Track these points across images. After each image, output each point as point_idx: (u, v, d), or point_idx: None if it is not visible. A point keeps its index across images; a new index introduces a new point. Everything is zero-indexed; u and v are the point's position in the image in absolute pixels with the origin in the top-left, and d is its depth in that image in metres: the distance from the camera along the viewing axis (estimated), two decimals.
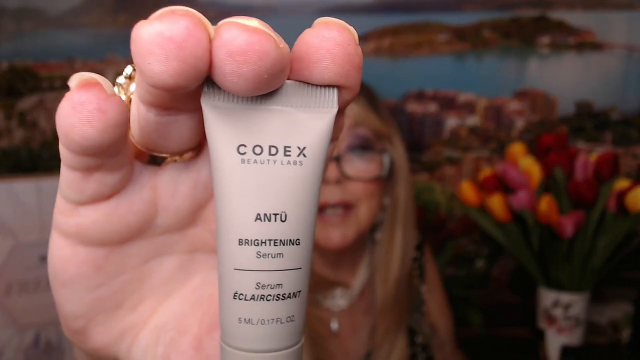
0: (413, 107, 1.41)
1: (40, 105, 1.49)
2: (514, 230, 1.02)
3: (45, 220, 1.10)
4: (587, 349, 1.09)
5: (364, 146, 0.72)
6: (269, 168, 0.19)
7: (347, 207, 0.72)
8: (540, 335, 1.08)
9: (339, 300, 0.80)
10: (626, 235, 0.98)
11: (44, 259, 1.10)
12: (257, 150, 0.19)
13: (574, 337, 1.05)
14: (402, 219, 0.78)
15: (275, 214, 0.19)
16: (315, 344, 0.75)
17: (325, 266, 0.79)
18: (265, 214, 0.19)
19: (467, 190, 1.07)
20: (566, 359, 1.05)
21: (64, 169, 0.21)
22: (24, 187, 1.08)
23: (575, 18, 1.36)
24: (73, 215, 0.22)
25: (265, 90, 0.18)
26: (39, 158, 1.45)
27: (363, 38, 1.40)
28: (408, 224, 0.78)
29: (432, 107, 1.41)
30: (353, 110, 0.71)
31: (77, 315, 0.23)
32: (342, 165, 0.71)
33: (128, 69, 0.22)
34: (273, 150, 0.19)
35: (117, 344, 0.24)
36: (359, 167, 0.72)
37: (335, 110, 0.20)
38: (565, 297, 1.03)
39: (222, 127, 0.19)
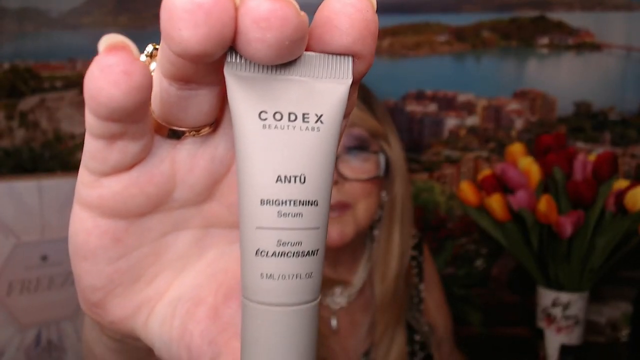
0: (412, 107, 1.42)
1: (41, 106, 1.49)
2: (513, 230, 1.02)
3: (47, 220, 1.10)
4: (586, 348, 1.09)
5: (360, 146, 0.73)
6: (288, 133, 0.20)
7: (344, 206, 0.72)
8: (539, 335, 1.08)
9: (338, 298, 0.80)
10: (625, 235, 0.98)
11: (45, 258, 1.11)
12: (277, 116, 0.20)
13: (572, 337, 1.05)
14: (400, 217, 0.78)
15: (295, 176, 0.20)
16: None
17: (325, 264, 0.79)
18: (285, 176, 0.20)
19: (467, 190, 1.07)
20: (565, 358, 1.06)
21: (88, 139, 0.22)
22: (25, 187, 1.08)
23: (574, 19, 1.36)
24: (95, 187, 0.22)
25: (286, 58, 0.19)
26: (40, 158, 1.45)
27: None
28: (406, 221, 0.79)
29: (431, 107, 1.42)
30: None
31: (96, 287, 0.24)
32: (338, 166, 0.71)
33: (149, 48, 0.24)
34: (292, 117, 0.20)
35: (134, 317, 0.25)
36: (356, 167, 0.73)
37: (350, 80, 0.21)
38: (564, 297, 1.04)
39: (244, 95, 0.20)
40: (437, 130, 1.42)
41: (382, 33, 1.41)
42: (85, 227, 0.23)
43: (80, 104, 1.50)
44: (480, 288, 1.41)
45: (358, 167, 0.73)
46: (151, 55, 0.24)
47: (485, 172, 1.07)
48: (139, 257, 0.24)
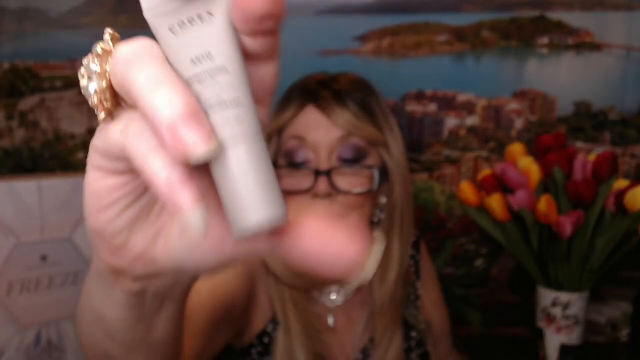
0: (412, 107, 1.42)
1: (41, 106, 1.49)
2: (513, 230, 1.02)
3: (47, 220, 1.10)
4: (586, 348, 1.10)
5: (357, 158, 0.73)
6: (193, 30, 0.26)
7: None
8: (539, 335, 1.08)
9: (335, 296, 0.80)
10: (625, 235, 0.98)
11: (45, 258, 1.11)
12: (182, 25, 0.26)
13: (572, 337, 1.05)
14: (400, 222, 0.78)
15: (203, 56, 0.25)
16: (312, 339, 0.76)
17: None
18: (196, 58, 0.25)
19: (467, 190, 1.07)
20: (565, 358, 1.06)
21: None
22: (25, 187, 1.08)
23: (574, 19, 1.36)
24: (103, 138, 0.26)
25: None
26: (40, 158, 1.45)
27: (363, 38, 1.41)
28: (405, 226, 0.79)
29: (431, 107, 1.42)
30: (345, 119, 0.71)
31: (120, 229, 0.27)
32: (332, 179, 0.71)
33: (102, 46, 0.27)
34: (193, 20, 0.26)
35: (154, 245, 0.28)
36: (350, 181, 0.73)
37: None
38: (564, 297, 1.04)
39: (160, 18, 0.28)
40: (437, 130, 1.42)
41: (383, 33, 1.41)
42: (104, 184, 0.26)
43: (80, 104, 1.50)
44: (480, 288, 1.41)
45: (352, 180, 0.73)
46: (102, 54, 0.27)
47: (485, 172, 1.07)
48: (149, 197, 0.27)
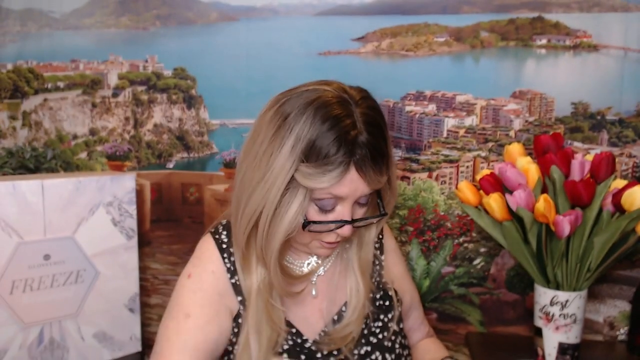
0: (412, 108, 1.43)
1: (44, 106, 1.50)
2: (511, 229, 1.03)
3: (49, 219, 1.11)
4: (584, 347, 1.10)
5: (366, 201, 0.82)
6: None
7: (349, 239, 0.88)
8: (537, 333, 1.09)
9: (315, 266, 0.91)
10: (622, 234, 0.99)
11: (47, 257, 1.11)
12: None
13: (570, 335, 1.06)
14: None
15: None
16: (296, 305, 0.89)
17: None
18: None
19: (466, 190, 1.08)
20: (563, 356, 1.07)
21: None
22: (28, 187, 1.09)
23: (571, 20, 1.37)
24: None
25: None
26: (43, 158, 1.46)
27: (362, 39, 1.42)
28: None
29: (430, 108, 1.43)
30: (377, 181, 0.77)
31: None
32: (353, 214, 0.80)
33: None
34: None
35: None
36: (361, 212, 0.82)
37: None
38: (563, 295, 1.05)
39: None
40: (436, 130, 1.43)
41: (382, 34, 1.42)
42: None
43: (82, 104, 1.50)
44: (479, 287, 1.42)
45: (363, 212, 0.83)
46: None
47: (484, 171, 1.08)
48: None
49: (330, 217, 0.79)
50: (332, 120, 0.73)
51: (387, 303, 0.94)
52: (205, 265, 0.87)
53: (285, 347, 0.86)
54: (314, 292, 0.91)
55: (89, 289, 1.18)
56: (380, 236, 0.99)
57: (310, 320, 0.90)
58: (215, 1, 1.44)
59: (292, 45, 1.43)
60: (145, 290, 1.49)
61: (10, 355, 1.09)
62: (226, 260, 0.87)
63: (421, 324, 1.08)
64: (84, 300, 1.17)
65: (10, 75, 1.47)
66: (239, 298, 0.87)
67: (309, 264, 0.91)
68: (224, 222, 0.91)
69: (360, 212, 0.82)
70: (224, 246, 0.88)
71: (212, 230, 0.91)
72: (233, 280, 0.87)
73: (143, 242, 1.48)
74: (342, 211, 0.78)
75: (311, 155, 0.73)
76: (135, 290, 1.25)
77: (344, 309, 0.90)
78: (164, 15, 1.46)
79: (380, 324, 0.92)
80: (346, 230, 0.80)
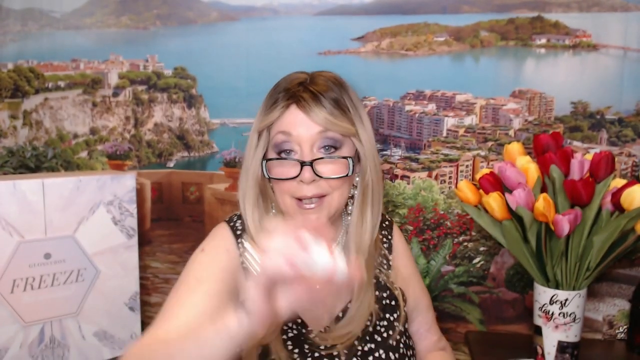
0: (412, 107, 1.43)
1: (44, 105, 1.50)
2: (511, 228, 1.03)
3: (50, 219, 1.11)
4: (583, 345, 1.10)
5: (332, 146, 0.86)
6: None
7: (321, 197, 0.87)
8: (537, 332, 1.09)
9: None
10: (622, 233, 0.99)
11: (48, 256, 1.12)
12: None
13: (570, 334, 1.06)
14: (371, 196, 0.92)
15: None
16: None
17: None
18: None
19: (465, 189, 1.08)
20: (562, 355, 1.07)
21: None
22: (28, 186, 1.09)
23: (571, 19, 1.37)
24: None
25: None
26: (44, 157, 1.46)
27: (362, 39, 1.42)
28: (375, 199, 0.93)
29: (430, 107, 1.43)
30: (321, 117, 0.84)
31: None
32: (315, 168, 0.84)
33: None
34: None
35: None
36: (329, 168, 0.86)
37: None
38: (562, 294, 1.05)
39: None
40: (436, 130, 1.43)
41: (382, 34, 1.42)
42: None
43: (82, 104, 1.51)
44: (479, 285, 1.42)
45: (331, 168, 0.86)
46: None
47: (484, 171, 1.08)
48: None
49: (290, 164, 0.86)
50: (287, 76, 0.89)
51: (393, 302, 0.94)
52: (219, 242, 0.90)
53: (290, 334, 0.88)
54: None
55: (89, 287, 1.18)
56: (390, 236, 1.01)
57: (316, 313, 0.91)
58: (215, 1, 1.44)
59: (292, 44, 1.44)
60: (145, 289, 1.49)
61: (11, 354, 1.09)
62: (240, 246, 0.89)
63: (428, 331, 1.06)
64: (85, 299, 1.18)
65: (11, 74, 1.48)
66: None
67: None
68: (238, 213, 0.93)
69: (327, 168, 0.85)
70: (238, 232, 0.90)
71: (227, 219, 0.94)
72: (245, 265, 0.87)
73: (143, 241, 1.48)
74: (300, 155, 0.85)
75: (266, 103, 0.89)
76: (135, 289, 1.25)
77: (349, 305, 0.91)
78: (164, 15, 1.46)
79: (385, 322, 0.92)
80: (306, 173, 0.84)
